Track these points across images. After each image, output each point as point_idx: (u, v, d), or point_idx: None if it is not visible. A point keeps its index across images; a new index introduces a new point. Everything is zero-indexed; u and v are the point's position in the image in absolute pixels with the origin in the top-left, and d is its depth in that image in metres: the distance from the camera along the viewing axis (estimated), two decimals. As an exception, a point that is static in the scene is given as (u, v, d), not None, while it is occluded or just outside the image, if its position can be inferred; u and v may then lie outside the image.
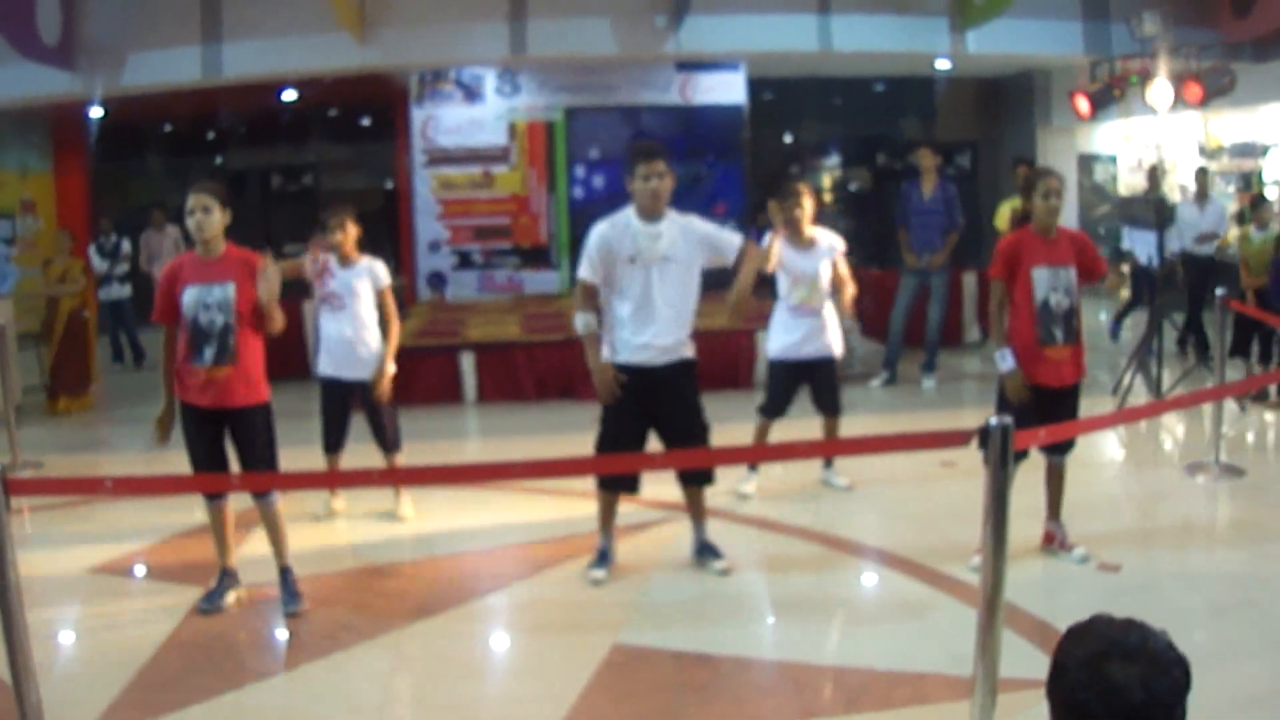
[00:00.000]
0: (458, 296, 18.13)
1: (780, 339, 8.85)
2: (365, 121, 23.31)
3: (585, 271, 7.03)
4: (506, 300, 17.00)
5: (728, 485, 8.83)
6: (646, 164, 6.84)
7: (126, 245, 17.29)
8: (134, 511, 8.73)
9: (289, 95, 18.97)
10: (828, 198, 24.92)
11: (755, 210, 18.85)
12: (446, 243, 18.54)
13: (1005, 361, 6.98)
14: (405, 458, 8.88)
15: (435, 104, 18.41)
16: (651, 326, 6.90)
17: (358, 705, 5.59)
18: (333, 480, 8.79)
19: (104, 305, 17.46)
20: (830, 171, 24.99)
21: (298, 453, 8.63)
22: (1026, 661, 5.42)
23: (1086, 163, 21.14)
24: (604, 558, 7.21)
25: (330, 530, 8.48)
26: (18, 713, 4.70)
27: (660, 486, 8.49)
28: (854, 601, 6.79)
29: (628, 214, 6.99)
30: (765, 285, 8.84)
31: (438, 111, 18.43)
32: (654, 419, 7.07)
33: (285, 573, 6.91)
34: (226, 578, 6.93)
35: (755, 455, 8.87)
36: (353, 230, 8.56)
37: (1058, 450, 7.07)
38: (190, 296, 6.57)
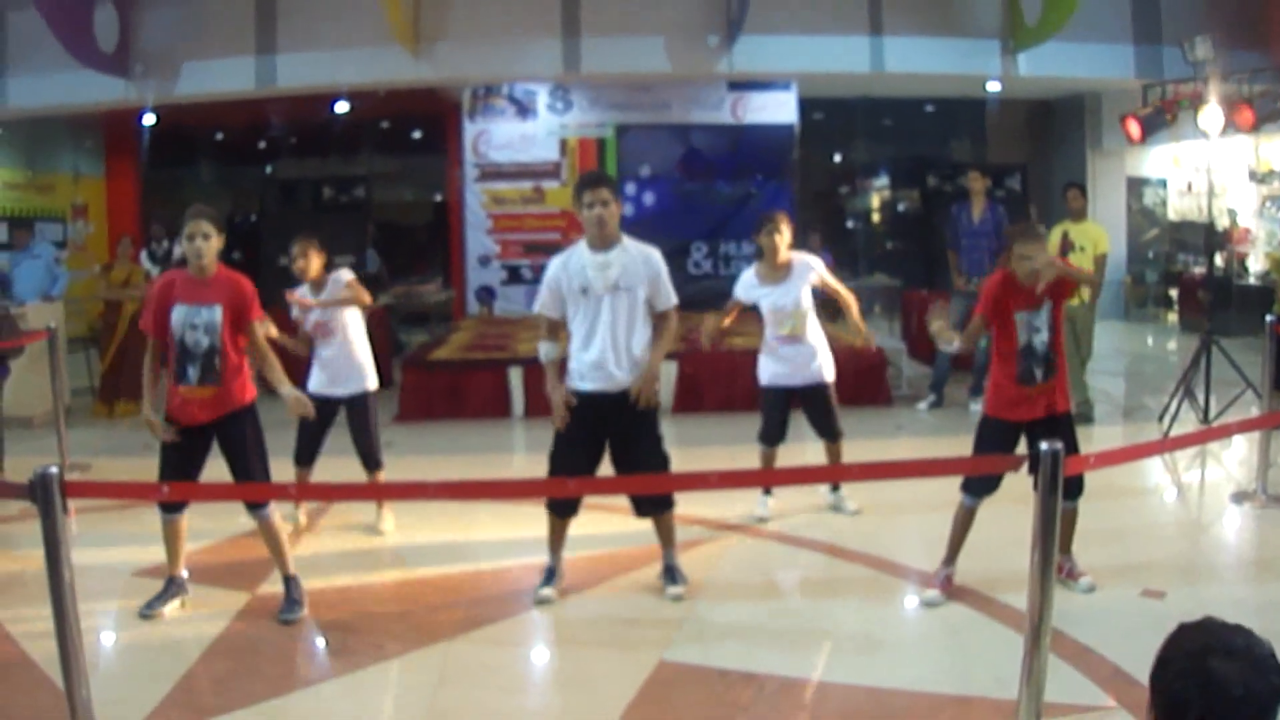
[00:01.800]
0: (506, 311, 18.21)
1: (769, 368, 8.87)
2: (417, 135, 23.43)
3: (538, 305, 7.17)
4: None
5: (789, 507, 8.89)
6: (591, 191, 6.86)
7: (179, 251, 17.40)
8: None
9: (341, 107, 19.09)
10: (876, 218, 24.93)
11: (805, 230, 18.88)
12: (496, 257, 18.66)
13: (949, 346, 7.23)
14: (454, 471, 8.93)
15: (487, 119, 18.53)
16: (604, 355, 6.95)
17: (403, 716, 5.65)
18: (325, 494, 8.83)
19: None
20: (879, 192, 25.00)
21: (335, 463, 8.75)
22: (1070, 686, 5.43)
23: (1136, 186, 21.09)
24: (551, 576, 7.22)
25: (378, 540, 8.53)
26: (68, 710, 4.75)
27: (709, 506, 8.56)
28: (899, 624, 6.78)
29: (580, 245, 7.05)
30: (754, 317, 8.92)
31: (490, 126, 18.55)
32: (611, 447, 7.11)
33: (289, 581, 7.00)
34: (174, 585, 7.04)
35: (797, 478, 8.89)
36: (315, 258, 8.58)
37: (1068, 495, 7.01)
38: (178, 315, 6.70)
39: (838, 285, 8.88)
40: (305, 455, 8.72)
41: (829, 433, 8.91)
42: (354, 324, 8.65)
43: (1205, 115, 12.06)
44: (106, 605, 7.11)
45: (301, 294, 8.63)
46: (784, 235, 8.62)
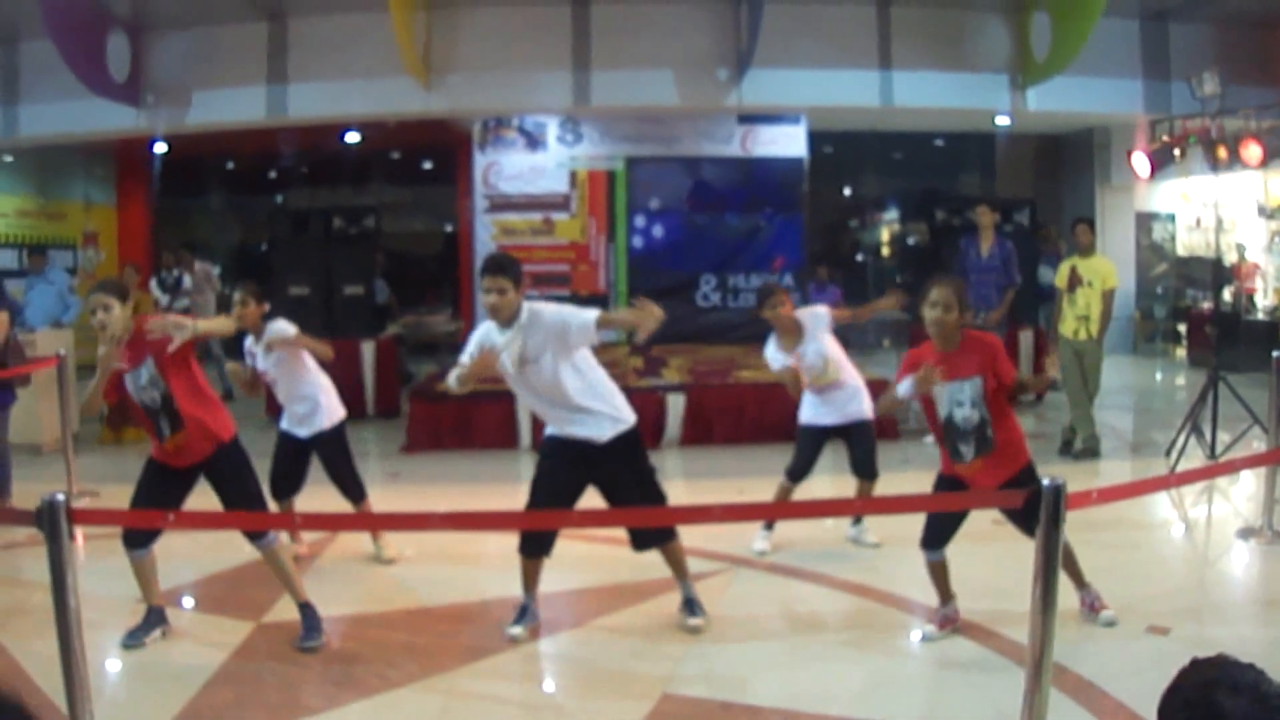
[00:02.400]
0: (514, 342, 18.18)
1: (810, 410, 8.89)
2: (427, 165, 23.54)
3: (465, 356, 7.01)
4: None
5: (791, 542, 8.90)
6: (489, 278, 6.80)
7: (188, 280, 17.47)
8: (187, 543, 8.83)
9: (352, 137, 19.17)
10: (885, 251, 24.96)
11: (814, 263, 18.93)
12: (506, 288, 18.60)
13: (901, 387, 6.78)
14: (461, 502, 8.92)
15: (497, 150, 18.59)
16: (550, 417, 7.05)
17: (408, 746, 5.67)
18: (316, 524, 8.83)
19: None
20: (888, 226, 25.06)
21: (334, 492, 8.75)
22: (1073, 721, 5.44)
23: (1145, 221, 21.09)
24: (524, 614, 7.14)
25: (384, 569, 8.53)
26: (71, 736, 4.79)
27: (713, 539, 8.56)
28: (903, 657, 6.78)
29: (491, 322, 6.98)
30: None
31: (500, 158, 18.61)
32: (601, 493, 7.10)
33: (304, 609, 7.00)
34: (153, 615, 7.08)
35: (801, 512, 8.87)
36: (253, 307, 8.48)
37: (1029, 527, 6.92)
38: (129, 384, 6.84)
39: (843, 314, 8.95)
40: (281, 489, 8.62)
41: (868, 471, 8.90)
42: (297, 369, 8.58)
43: (1214, 151, 12.09)
44: (113, 633, 7.11)
45: (247, 345, 8.61)
46: (787, 305, 8.69)
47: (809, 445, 8.87)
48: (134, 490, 7.00)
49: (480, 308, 18.36)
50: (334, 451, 8.69)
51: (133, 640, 6.89)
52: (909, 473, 11.14)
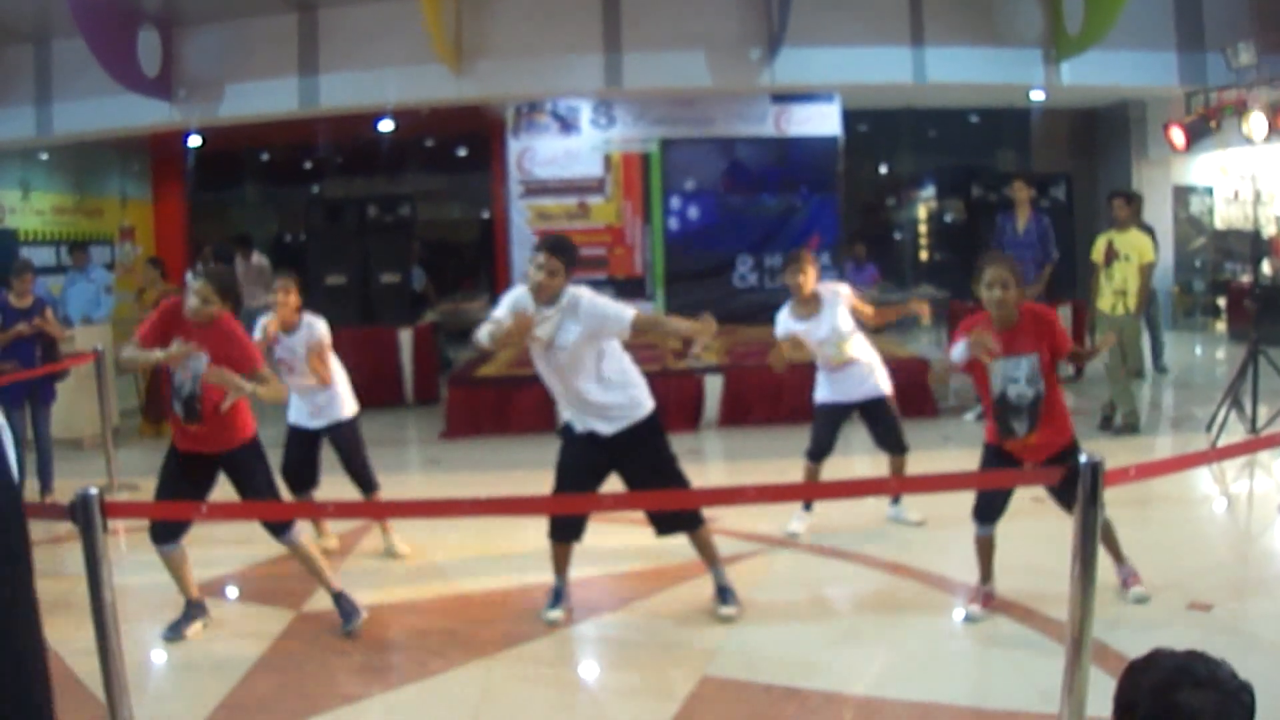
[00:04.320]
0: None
1: (826, 388, 8.86)
2: (461, 152, 23.51)
3: (497, 315, 6.91)
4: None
5: (830, 521, 8.89)
6: (544, 255, 6.74)
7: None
8: (227, 534, 8.86)
9: (385, 126, 19.17)
10: (922, 229, 24.86)
11: (850, 241, 18.87)
12: (541, 273, 18.60)
13: (955, 351, 6.68)
14: (500, 487, 8.93)
15: (531, 135, 18.56)
16: (569, 405, 7.03)
17: (446, 734, 5.68)
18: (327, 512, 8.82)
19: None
20: (925, 203, 24.95)
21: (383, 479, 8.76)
22: (1115, 700, 5.40)
23: (1182, 194, 20.93)
24: (558, 598, 7.17)
25: (422, 556, 8.54)
26: (110, 728, 4.81)
27: (752, 520, 8.55)
28: (944, 638, 6.75)
29: (525, 293, 6.88)
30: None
31: (533, 143, 18.58)
32: (624, 481, 7.08)
33: (337, 598, 7.03)
34: (193, 608, 7.08)
35: (836, 492, 8.86)
36: (294, 299, 8.42)
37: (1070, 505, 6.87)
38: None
39: (865, 307, 8.86)
40: (297, 482, 8.64)
41: (895, 446, 8.86)
42: (323, 359, 8.53)
43: (1249, 122, 11.99)
44: (154, 625, 7.14)
45: (267, 320, 8.45)
46: (808, 273, 8.60)
47: (826, 424, 8.86)
48: (157, 486, 7.02)
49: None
50: (352, 442, 8.66)
51: (173, 633, 6.93)
52: (949, 450, 11.11)
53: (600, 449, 6.96)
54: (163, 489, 6.98)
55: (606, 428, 6.92)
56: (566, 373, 6.86)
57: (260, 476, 7.00)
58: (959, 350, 6.58)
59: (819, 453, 8.85)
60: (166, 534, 6.94)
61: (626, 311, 6.82)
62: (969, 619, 6.83)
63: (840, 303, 8.66)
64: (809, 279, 8.58)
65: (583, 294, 6.85)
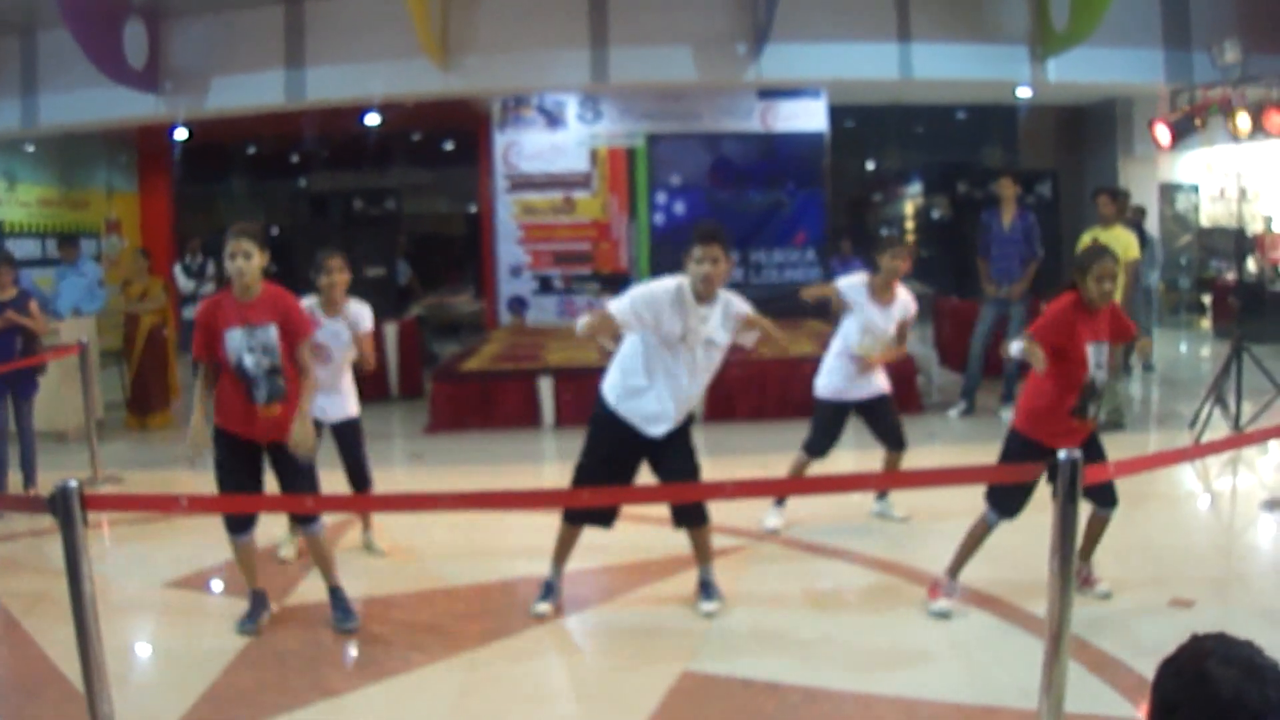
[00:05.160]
0: (538, 321, 18.27)
1: (830, 380, 8.80)
2: (448, 146, 23.52)
3: (626, 316, 6.68)
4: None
5: (813, 515, 8.90)
6: (703, 246, 6.65)
7: (212, 266, 17.50)
8: (210, 527, 8.84)
9: (371, 119, 19.16)
10: (908, 225, 24.91)
11: (836, 237, 18.90)
12: (528, 267, 18.74)
13: (1016, 347, 6.75)
14: (483, 481, 8.93)
15: (517, 129, 18.61)
16: (672, 403, 6.88)
17: (428, 727, 5.67)
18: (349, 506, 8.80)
19: (187, 324, 17.71)
20: (911, 199, 25.01)
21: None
22: (1095, 697, 5.42)
23: (1168, 192, 20.97)
24: (549, 591, 7.16)
25: (404, 552, 8.53)
26: (90, 721, 4.81)
27: (734, 514, 8.56)
28: (924, 633, 6.76)
29: (686, 290, 6.75)
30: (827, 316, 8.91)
31: (520, 137, 18.63)
32: (658, 472, 7.08)
33: (335, 592, 7.02)
34: (257, 598, 7.02)
35: (820, 487, 8.85)
36: (345, 277, 8.18)
37: (1106, 502, 6.93)
38: (234, 341, 6.62)
39: (905, 337, 8.88)
40: None
41: (896, 441, 8.82)
42: (350, 351, 8.46)
43: (1235, 119, 12.00)
44: (136, 618, 7.15)
45: (309, 305, 8.08)
46: (905, 265, 8.63)
47: (832, 420, 8.79)
48: (219, 475, 6.85)
49: (503, 288, 18.43)
50: (356, 438, 8.55)
51: (250, 625, 6.86)
52: (934, 446, 11.14)
53: (648, 444, 6.96)
54: (228, 479, 6.82)
55: (672, 426, 6.93)
56: (701, 372, 6.92)
57: (310, 467, 6.95)
58: (1017, 347, 6.75)
59: (820, 449, 8.78)
60: (241, 524, 6.88)
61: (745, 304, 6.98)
62: (936, 614, 6.83)
63: (905, 314, 8.72)
64: (901, 272, 8.63)
65: (730, 294, 6.93)
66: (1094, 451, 6.78)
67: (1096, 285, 6.60)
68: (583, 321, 6.72)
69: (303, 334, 6.84)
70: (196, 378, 6.85)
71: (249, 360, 6.63)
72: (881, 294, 8.64)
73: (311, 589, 7.21)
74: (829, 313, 8.95)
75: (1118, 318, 6.82)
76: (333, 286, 8.09)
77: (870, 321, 8.60)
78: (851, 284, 8.74)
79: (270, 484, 6.98)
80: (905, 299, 8.73)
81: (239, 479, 6.80)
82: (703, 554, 7.21)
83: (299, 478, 6.86)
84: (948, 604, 6.86)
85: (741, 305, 6.95)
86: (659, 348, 6.79)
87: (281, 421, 6.73)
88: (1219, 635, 2.59)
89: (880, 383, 8.77)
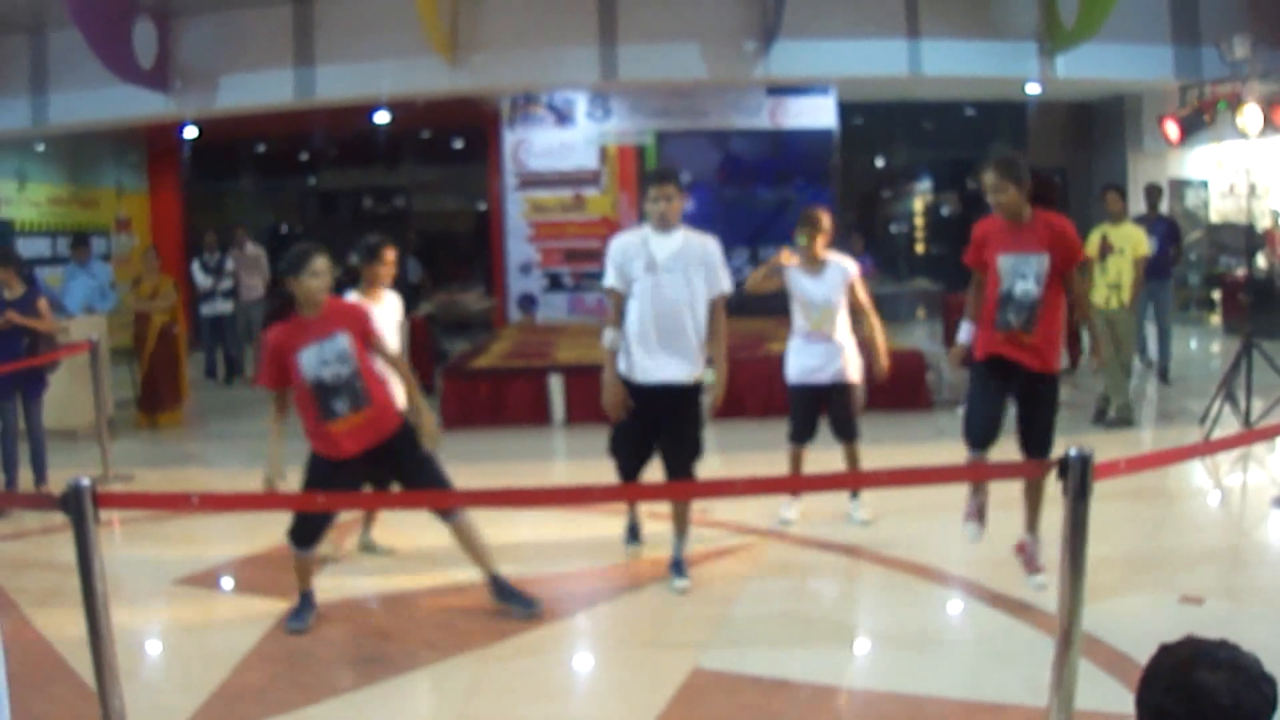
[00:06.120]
0: (548, 318, 18.26)
1: (796, 364, 8.84)
2: (457, 144, 23.51)
3: (611, 278, 7.44)
4: (596, 322, 17.02)
5: (822, 511, 8.90)
6: (657, 186, 7.40)
7: (230, 263, 17.53)
8: (221, 525, 8.87)
9: (381, 117, 19.17)
10: (918, 222, 24.87)
11: (846, 234, 18.88)
12: (537, 265, 18.75)
13: (961, 333, 7.21)
14: (494, 478, 8.94)
15: (527, 127, 18.63)
16: (651, 340, 7.33)
17: (438, 724, 5.68)
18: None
19: (205, 320, 17.78)
20: (921, 196, 24.97)
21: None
22: (1105, 693, 5.41)
23: (1178, 188, 20.94)
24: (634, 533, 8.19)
25: (415, 547, 8.52)
26: (101, 718, 4.81)
27: (744, 511, 8.56)
28: (934, 630, 6.76)
29: (645, 228, 7.50)
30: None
31: (529, 135, 18.65)
32: (654, 427, 7.41)
33: (496, 581, 7.05)
34: (306, 599, 7.00)
35: (828, 484, 8.85)
36: (393, 265, 8.23)
37: (1037, 448, 6.99)
38: (309, 358, 6.60)
39: (866, 302, 8.84)
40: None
41: (847, 432, 8.82)
42: (393, 340, 8.37)
43: (1244, 115, 11.98)
44: (147, 615, 7.17)
45: (354, 298, 8.11)
46: (818, 241, 8.64)
47: (804, 405, 8.86)
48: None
49: (513, 286, 18.45)
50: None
51: (298, 625, 6.85)
52: (944, 442, 11.10)
53: (660, 403, 7.39)
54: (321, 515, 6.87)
55: (681, 377, 7.42)
56: (673, 305, 7.38)
57: (430, 458, 6.98)
58: (964, 334, 7.22)
59: (799, 435, 8.85)
60: (308, 539, 6.88)
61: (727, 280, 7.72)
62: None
63: (843, 278, 8.69)
64: (821, 239, 8.66)
65: (707, 237, 7.63)
66: (1038, 395, 6.88)
67: (989, 197, 6.88)
68: (604, 333, 7.46)
69: (373, 329, 6.92)
70: (271, 408, 6.84)
71: (327, 374, 6.63)
72: (809, 265, 8.70)
73: (321, 586, 7.21)
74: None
75: (1054, 232, 6.86)
76: (385, 276, 8.15)
77: (804, 295, 8.70)
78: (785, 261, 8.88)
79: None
80: (838, 263, 8.74)
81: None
82: (681, 528, 7.49)
83: (424, 472, 6.91)
84: (1041, 578, 6.96)
85: (713, 245, 7.55)
86: (640, 293, 7.34)
87: (372, 425, 6.74)
88: (1190, 641, 2.59)
89: (843, 369, 8.74)
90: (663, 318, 7.26)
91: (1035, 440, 6.96)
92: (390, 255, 8.14)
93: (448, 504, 6.94)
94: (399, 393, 7.08)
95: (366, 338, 6.81)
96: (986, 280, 6.97)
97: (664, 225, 7.34)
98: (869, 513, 8.85)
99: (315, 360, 6.61)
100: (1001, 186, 6.77)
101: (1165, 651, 2.58)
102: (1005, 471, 6.91)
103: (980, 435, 6.99)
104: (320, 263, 6.70)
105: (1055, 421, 7.01)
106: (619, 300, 7.41)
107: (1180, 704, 2.45)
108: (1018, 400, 7.06)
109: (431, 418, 6.90)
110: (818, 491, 9.18)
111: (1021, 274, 6.75)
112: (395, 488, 7.00)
